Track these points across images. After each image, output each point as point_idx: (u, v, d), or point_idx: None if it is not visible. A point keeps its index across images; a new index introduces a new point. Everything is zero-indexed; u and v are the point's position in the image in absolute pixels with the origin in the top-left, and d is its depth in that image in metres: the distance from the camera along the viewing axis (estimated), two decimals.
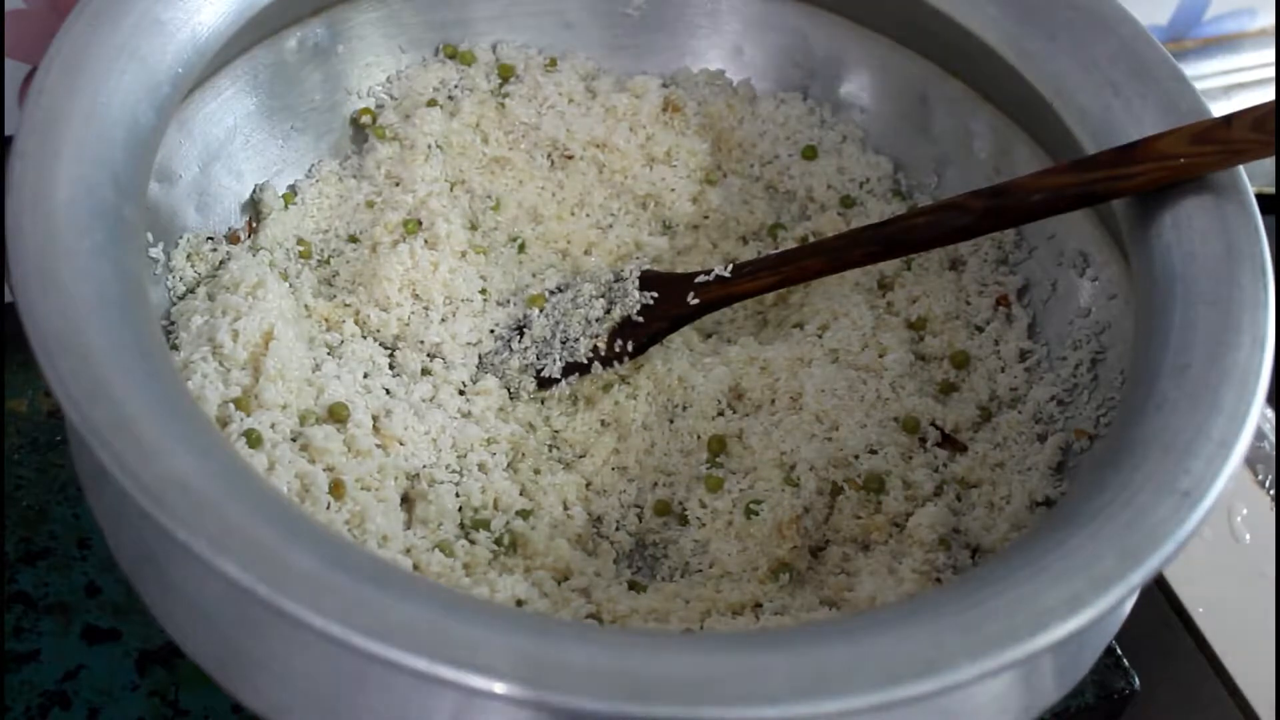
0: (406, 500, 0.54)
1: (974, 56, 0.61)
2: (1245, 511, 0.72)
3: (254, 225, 0.61)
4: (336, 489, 0.51)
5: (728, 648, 0.37)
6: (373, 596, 0.36)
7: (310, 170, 0.64)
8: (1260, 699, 0.65)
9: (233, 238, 0.60)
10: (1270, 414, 0.76)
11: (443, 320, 0.61)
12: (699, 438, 0.59)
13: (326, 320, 0.59)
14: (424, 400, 0.58)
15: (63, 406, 0.39)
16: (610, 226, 0.66)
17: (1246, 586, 0.69)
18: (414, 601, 0.36)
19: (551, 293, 0.62)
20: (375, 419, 0.55)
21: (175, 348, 0.53)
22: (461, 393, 0.59)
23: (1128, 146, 0.52)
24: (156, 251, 0.56)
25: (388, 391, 0.58)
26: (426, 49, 0.68)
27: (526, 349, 0.60)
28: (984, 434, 0.58)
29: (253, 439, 0.50)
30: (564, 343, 0.60)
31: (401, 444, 0.55)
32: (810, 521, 0.55)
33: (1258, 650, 0.66)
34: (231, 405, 0.51)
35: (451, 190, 0.65)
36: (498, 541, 0.54)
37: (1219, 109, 0.52)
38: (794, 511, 0.55)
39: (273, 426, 0.51)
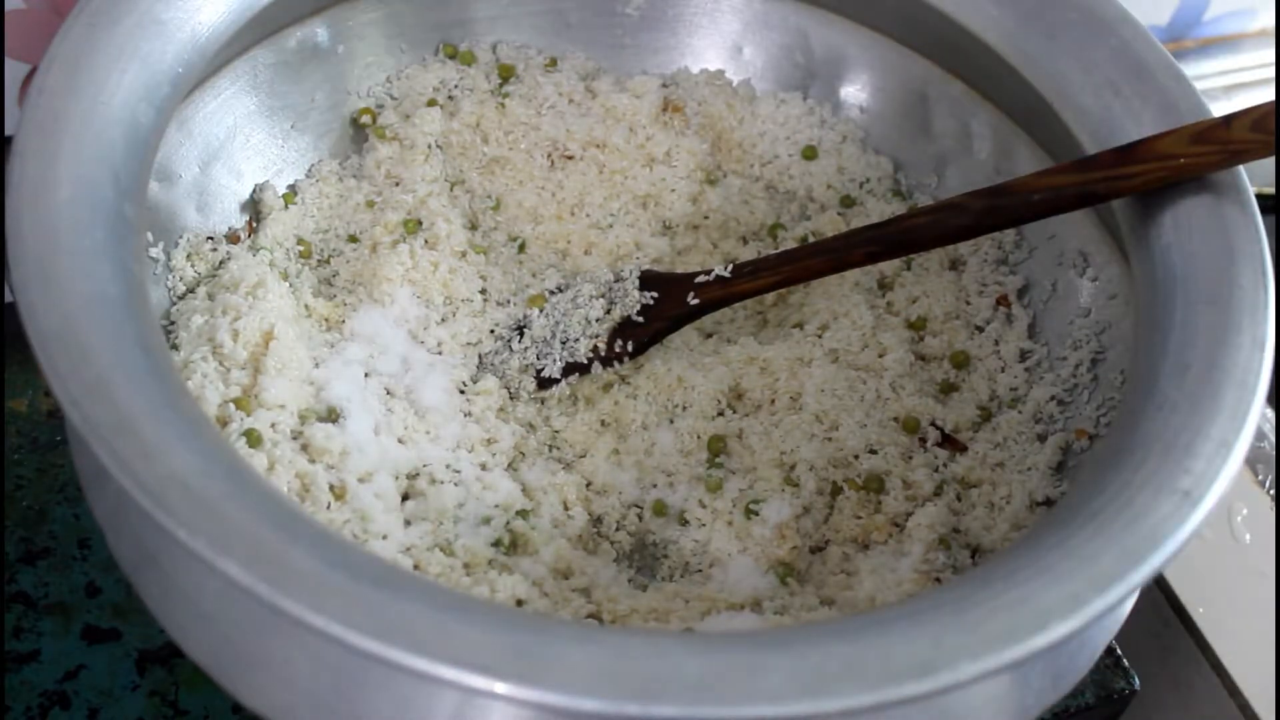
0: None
1: (974, 56, 0.61)
2: (1245, 511, 0.72)
3: (254, 225, 0.61)
4: (336, 489, 0.51)
5: (728, 648, 0.37)
6: (373, 596, 0.36)
7: (310, 170, 0.64)
8: (1260, 699, 0.65)
9: (233, 238, 0.60)
10: (1270, 414, 0.76)
11: (442, 320, 0.61)
12: (699, 438, 0.59)
13: (326, 320, 0.59)
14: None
15: (63, 406, 0.39)
16: (610, 227, 0.66)
17: (1246, 586, 0.69)
18: (414, 601, 0.36)
19: (551, 293, 0.62)
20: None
21: (175, 348, 0.53)
22: (461, 392, 0.59)
23: (1128, 146, 0.52)
24: (156, 251, 0.56)
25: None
26: (426, 49, 0.68)
27: (526, 349, 0.60)
28: (984, 434, 0.58)
29: (253, 439, 0.50)
30: (564, 343, 0.60)
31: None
32: (810, 521, 0.55)
33: (1258, 650, 0.66)
34: (231, 405, 0.51)
35: (451, 190, 0.65)
36: (497, 542, 0.54)
37: (1219, 109, 0.52)
38: (794, 511, 0.55)
39: (273, 426, 0.51)
